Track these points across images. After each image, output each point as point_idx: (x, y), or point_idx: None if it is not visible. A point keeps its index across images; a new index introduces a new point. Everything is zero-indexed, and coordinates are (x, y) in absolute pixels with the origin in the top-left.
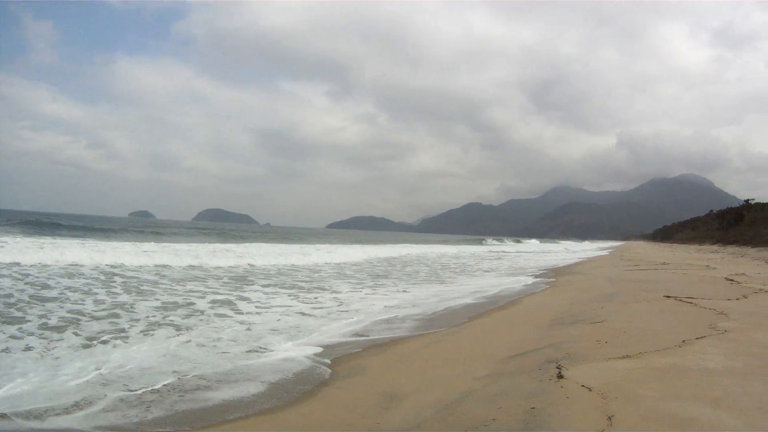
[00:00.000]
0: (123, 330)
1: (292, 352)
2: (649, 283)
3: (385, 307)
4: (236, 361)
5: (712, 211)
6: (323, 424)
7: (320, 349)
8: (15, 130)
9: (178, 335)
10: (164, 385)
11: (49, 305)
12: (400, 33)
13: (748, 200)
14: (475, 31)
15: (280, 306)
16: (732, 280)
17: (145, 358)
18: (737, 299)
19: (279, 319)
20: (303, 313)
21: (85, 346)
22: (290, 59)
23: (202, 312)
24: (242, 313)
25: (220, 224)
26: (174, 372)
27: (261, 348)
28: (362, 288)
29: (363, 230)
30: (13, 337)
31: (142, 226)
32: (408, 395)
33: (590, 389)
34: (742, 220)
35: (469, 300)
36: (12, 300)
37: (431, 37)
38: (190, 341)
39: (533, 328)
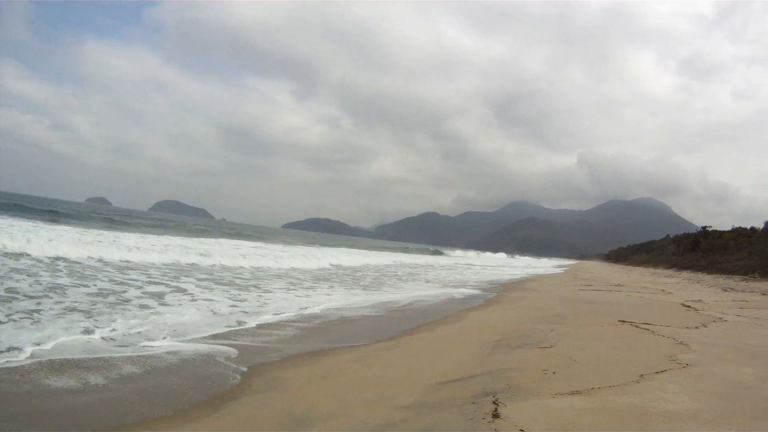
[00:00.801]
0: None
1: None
2: (603, 305)
3: (322, 309)
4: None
5: (668, 235)
6: None
7: (236, 352)
8: None
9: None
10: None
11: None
12: (369, 37)
13: (705, 227)
14: (445, 41)
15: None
16: (689, 307)
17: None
18: (696, 328)
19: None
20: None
21: None
22: (258, 55)
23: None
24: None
25: (177, 216)
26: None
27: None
28: (302, 288)
29: (319, 233)
30: None
31: (106, 212)
32: (318, 421)
33: None
34: (698, 247)
35: (410, 309)
36: None
37: (400, 43)
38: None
39: (474, 348)
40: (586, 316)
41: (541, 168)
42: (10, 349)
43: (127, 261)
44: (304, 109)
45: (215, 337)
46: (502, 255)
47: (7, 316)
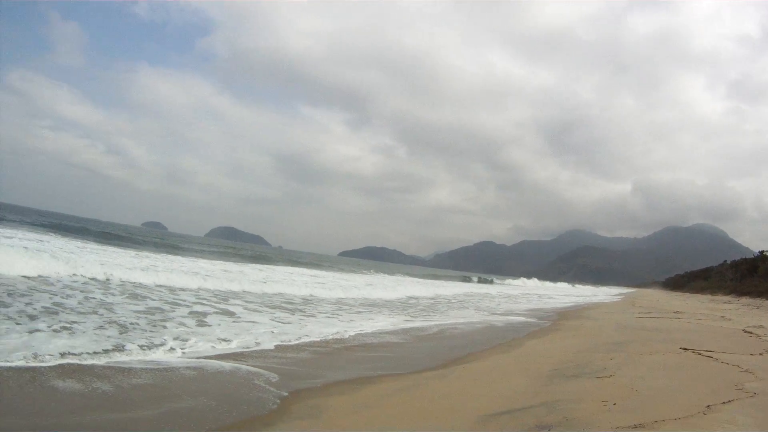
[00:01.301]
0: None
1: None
2: (662, 332)
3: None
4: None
5: (725, 261)
6: None
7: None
8: (33, 129)
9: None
10: None
11: None
12: (421, 67)
13: (762, 251)
14: (495, 70)
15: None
16: (750, 333)
17: None
18: (760, 354)
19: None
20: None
21: None
22: (310, 84)
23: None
24: None
25: (234, 243)
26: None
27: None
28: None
29: (375, 261)
30: None
31: (162, 236)
32: None
33: None
34: (756, 272)
35: (460, 337)
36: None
37: (451, 73)
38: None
39: (529, 378)
40: (646, 344)
41: (596, 196)
42: (36, 354)
43: (177, 287)
44: (358, 139)
45: (251, 357)
46: (563, 284)
47: (48, 326)
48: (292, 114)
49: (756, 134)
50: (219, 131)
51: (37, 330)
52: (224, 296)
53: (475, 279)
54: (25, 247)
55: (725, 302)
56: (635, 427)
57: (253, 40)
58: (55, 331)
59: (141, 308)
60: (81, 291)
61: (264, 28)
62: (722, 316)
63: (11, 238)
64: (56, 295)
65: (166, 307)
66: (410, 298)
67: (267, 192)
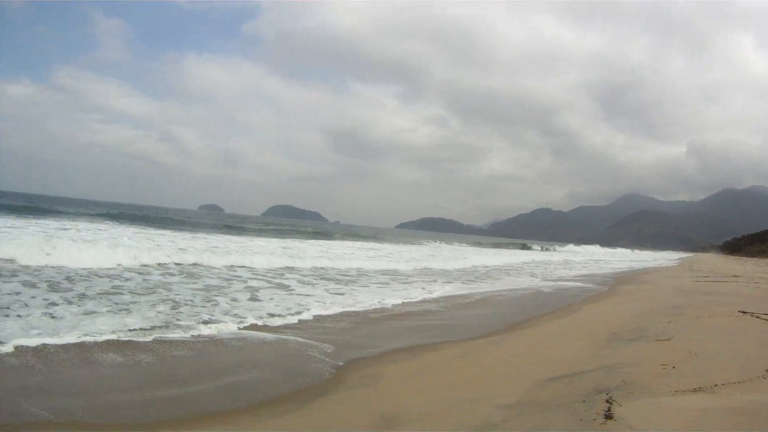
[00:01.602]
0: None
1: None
2: (720, 296)
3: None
4: None
5: None
6: None
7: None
8: (86, 123)
9: None
10: None
11: None
12: (468, 36)
13: None
14: (543, 36)
15: None
16: None
17: None
18: None
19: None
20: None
21: None
22: (359, 60)
23: None
24: None
25: (291, 220)
26: None
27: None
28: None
29: (433, 231)
30: None
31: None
32: (409, 422)
33: None
34: None
35: (516, 304)
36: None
37: (499, 40)
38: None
39: (586, 343)
40: (704, 308)
41: (651, 159)
42: (89, 332)
43: (236, 265)
44: (411, 111)
45: (304, 328)
46: (622, 250)
47: (105, 306)
48: (343, 90)
49: None
50: (270, 112)
51: (94, 311)
52: (279, 272)
53: (537, 247)
54: (84, 239)
55: None
56: (695, 390)
57: (299, 20)
58: (111, 311)
59: (198, 286)
60: (139, 273)
61: (309, 6)
62: None
63: (68, 230)
64: (116, 279)
65: (223, 284)
66: (472, 267)
67: (322, 169)
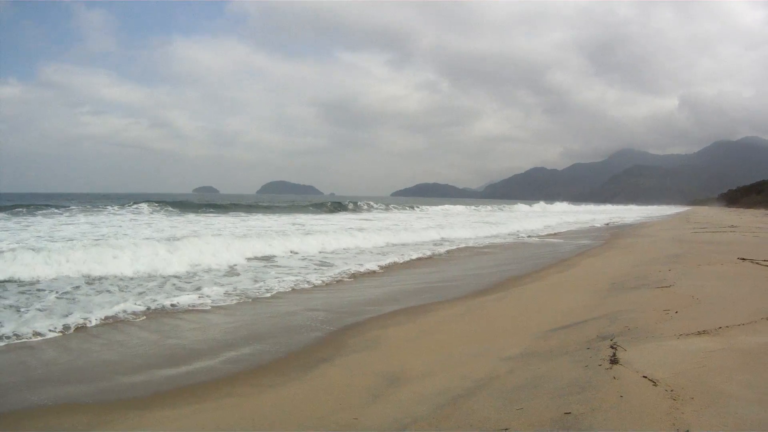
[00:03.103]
0: None
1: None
2: (719, 245)
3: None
4: None
5: None
6: (291, 412)
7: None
8: (75, 116)
9: None
10: None
11: None
12: None
13: None
14: None
15: None
16: None
17: None
18: None
19: None
20: None
21: None
22: (346, 30)
23: None
24: None
25: (285, 196)
26: None
27: None
28: None
29: (428, 197)
30: None
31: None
32: (412, 379)
33: (655, 383)
34: None
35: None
36: None
37: (486, 0)
38: None
39: (588, 294)
40: (703, 256)
41: (644, 113)
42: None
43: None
44: (401, 78)
45: (290, 297)
46: (596, 207)
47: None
48: (332, 61)
49: None
50: (260, 89)
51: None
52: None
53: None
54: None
55: None
56: (699, 333)
57: None
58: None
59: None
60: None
61: None
62: None
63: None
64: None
65: (210, 261)
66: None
67: (314, 141)
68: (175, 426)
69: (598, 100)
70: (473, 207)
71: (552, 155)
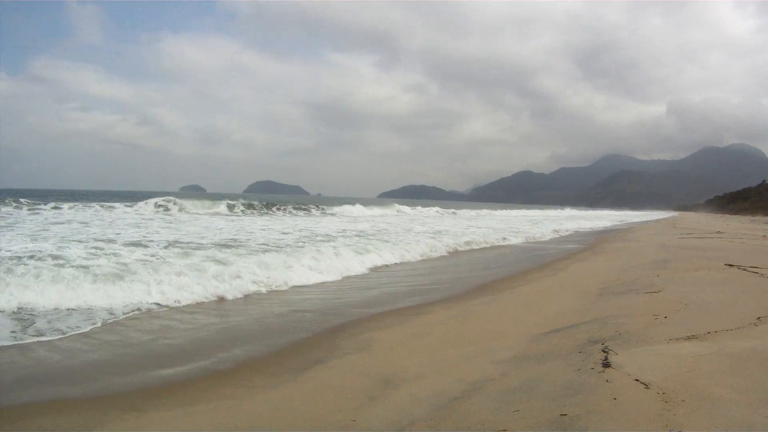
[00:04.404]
0: None
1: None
2: (706, 251)
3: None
4: None
5: (764, 181)
6: (286, 416)
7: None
8: (62, 112)
9: None
10: None
11: None
12: (446, 0)
13: None
14: None
15: None
16: None
17: None
18: None
19: None
20: None
21: None
22: (335, 30)
23: None
24: None
25: (272, 196)
26: None
27: None
28: None
29: (414, 199)
30: None
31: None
32: (406, 382)
33: (647, 386)
34: None
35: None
36: None
37: (475, 4)
38: None
39: (578, 298)
40: (691, 262)
41: (631, 119)
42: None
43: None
44: (389, 79)
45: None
46: (601, 212)
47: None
48: (320, 62)
49: None
50: (249, 87)
51: None
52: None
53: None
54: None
55: (765, 222)
56: (688, 338)
57: None
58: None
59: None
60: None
61: None
62: (764, 236)
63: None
64: None
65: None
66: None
67: (302, 142)
68: (174, 426)
69: (586, 105)
70: (452, 210)
71: (539, 159)
